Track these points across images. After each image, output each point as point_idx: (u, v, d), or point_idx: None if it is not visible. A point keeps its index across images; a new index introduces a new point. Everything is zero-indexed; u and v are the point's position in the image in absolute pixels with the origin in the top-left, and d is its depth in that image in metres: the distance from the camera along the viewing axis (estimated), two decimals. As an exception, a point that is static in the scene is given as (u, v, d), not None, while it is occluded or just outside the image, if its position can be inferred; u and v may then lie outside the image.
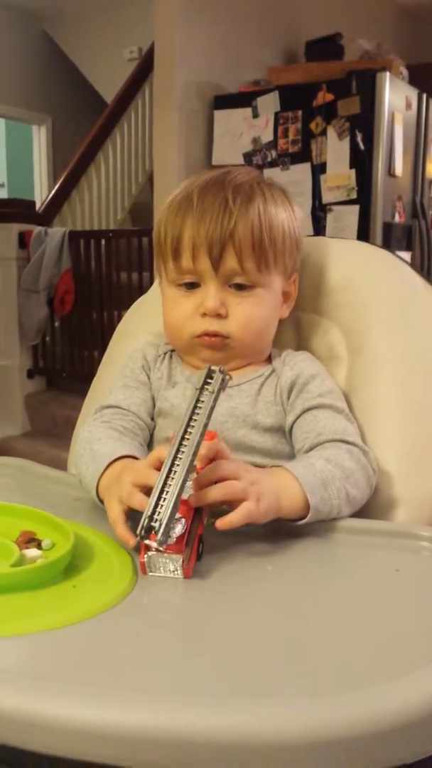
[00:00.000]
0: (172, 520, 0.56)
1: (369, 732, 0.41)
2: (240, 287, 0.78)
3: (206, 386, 0.63)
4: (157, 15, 3.01)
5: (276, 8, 3.41)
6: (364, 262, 0.91)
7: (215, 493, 0.60)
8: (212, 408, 0.61)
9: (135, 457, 0.71)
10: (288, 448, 0.79)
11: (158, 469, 0.59)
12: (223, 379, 0.63)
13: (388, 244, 2.97)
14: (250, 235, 0.76)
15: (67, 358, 3.37)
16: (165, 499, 0.57)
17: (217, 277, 0.77)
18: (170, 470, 0.58)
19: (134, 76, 4.08)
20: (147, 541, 0.57)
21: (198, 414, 0.61)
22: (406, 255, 3.10)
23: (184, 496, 0.58)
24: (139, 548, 0.58)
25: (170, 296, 0.82)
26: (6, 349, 3.38)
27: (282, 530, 0.66)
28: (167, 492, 0.57)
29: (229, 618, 0.54)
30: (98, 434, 0.77)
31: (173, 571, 0.58)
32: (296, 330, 0.91)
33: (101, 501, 0.69)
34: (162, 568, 0.58)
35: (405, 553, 0.64)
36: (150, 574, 0.58)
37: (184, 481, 0.58)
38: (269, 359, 0.85)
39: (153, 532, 0.56)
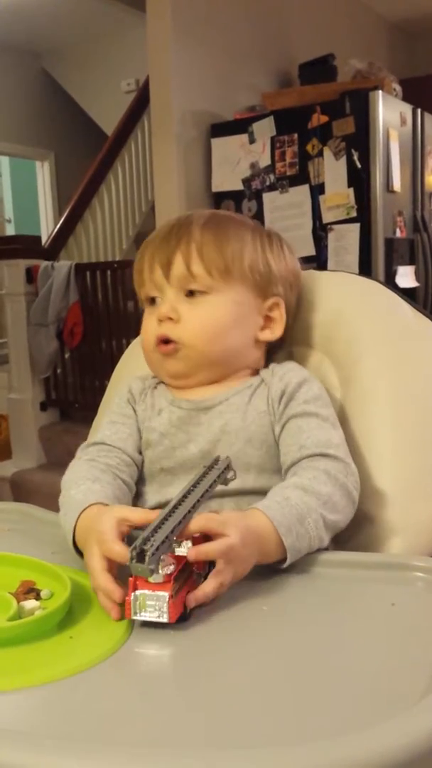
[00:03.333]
0: (163, 550, 0.56)
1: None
2: (193, 293, 0.80)
3: (213, 469, 0.66)
4: (149, 46, 3.07)
5: (268, 32, 3.47)
6: (353, 293, 0.93)
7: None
8: (209, 488, 0.64)
9: (105, 504, 0.71)
10: (278, 464, 0.78)
11: (122, 539, 0.62)
12: (227, 466, 0.67)
13: (390, 260, 2.99)
14: (199, 241, 0.80)
15: (78, 389, 3.40)
16: (159, 531, 0.58)
17: (170, 285, 0.81)
18: (166, 517, 0.59)
19: (132, 108, 4.15)
20: (135, 572, 0.56)
21: (198, 486, 0.64)
22: (410, 269, 3.11)
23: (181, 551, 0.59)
24: (122, 615, 0.58)
25: (144, 317, 0.85)
26: (18, 383, 3.41)
27: (277, 565, 0.67)
28: (162, 528, 0.58)
29: (224, 664, 0.55)
30: (78, 475, 0.77)
31: (159, 610, 0.57)
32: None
33: (79, 552, 0.69)
34: (148, 610, 0.57)
35: (400, 585, 0.65)
36: (134, 617, 0.57)
37: (179, 523, 0.59)
38: (257, 371, 0.85)
39: (143, 561, 0.55)
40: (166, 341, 0.80)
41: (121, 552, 0.60)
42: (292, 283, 0.87)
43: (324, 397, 0.81)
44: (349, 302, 0.91)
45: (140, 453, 0.83)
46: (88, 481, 0.75)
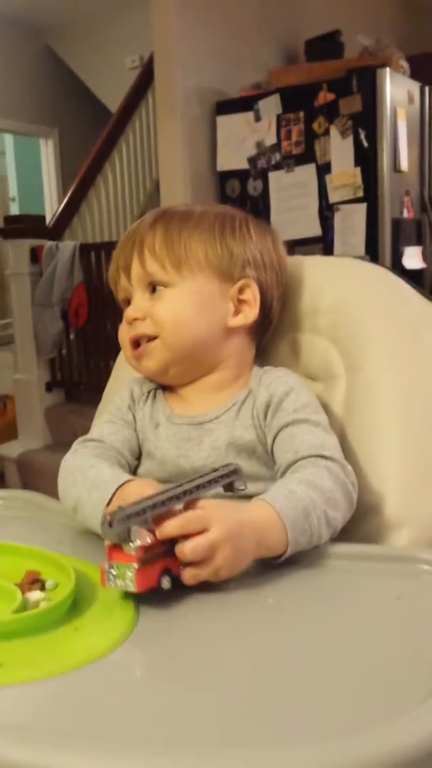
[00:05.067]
0: (134, 522, 0.58)
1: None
2: (154, 291, 0.82)
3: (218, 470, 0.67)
4: (155, 23, 3.03)
5: (274, 8, 3.41)
6: (360, 279, 0.92)
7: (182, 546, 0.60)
8: (206, 483, 0.65)
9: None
10: (272, 473, 0.78)
11: None
12: (234, 471, 0.68)
13: (397, 240, 2.96)
14: (150, 241, 0.82)
15: (84, 370, 3.40)
16: (138, 505, 0.59)
17: (134, 286, 0.83)
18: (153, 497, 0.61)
19: (137, 85, 4.09)
20: (105, 536, 0.59)
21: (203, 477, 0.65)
22: (417, 250, 3.08)
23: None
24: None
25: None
26: (24, 364, 3.41)
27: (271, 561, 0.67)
28: (142, 503, 0.60)
29: (230, 658, 0.55)
30: (88, 463, 0.77)
31: (127, 580, 0.58)
32: (294, 351, 0.91)
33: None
34: (118, 579, 0.59)
35: (406, 578, 0.65)
36: (107, 585, 0.59)
37: (162, 503, 0.60)
38: (247, 371, 0.85)
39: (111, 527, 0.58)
40: (136, 344, 0.83)
41: None
42: (266, 263, 0.85)
43: (313, 403, 0.80)
44: (357, 289, 0.90)
45: (135, 457, 0.84)
46: (105, 467, 0.76)
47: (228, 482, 0.68)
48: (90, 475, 0.75)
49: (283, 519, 0.65)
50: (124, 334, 0.84)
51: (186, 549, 0.60)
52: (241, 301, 0.83)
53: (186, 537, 0.60)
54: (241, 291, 0.83)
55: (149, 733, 0.46)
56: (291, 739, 0.45)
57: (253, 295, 0.83)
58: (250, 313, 0.83)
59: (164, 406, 0.85)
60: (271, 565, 0.66)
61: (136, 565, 0.58)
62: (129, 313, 0.82)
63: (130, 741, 0.45)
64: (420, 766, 0.43)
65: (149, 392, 0.87)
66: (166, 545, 0.60)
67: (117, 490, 0.71)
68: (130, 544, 0.58)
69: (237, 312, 0.83)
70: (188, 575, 0.61)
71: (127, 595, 0.61)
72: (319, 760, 0.41)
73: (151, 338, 0.81)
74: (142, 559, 0.58)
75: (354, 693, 0.49)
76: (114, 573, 0.59)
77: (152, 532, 0.59)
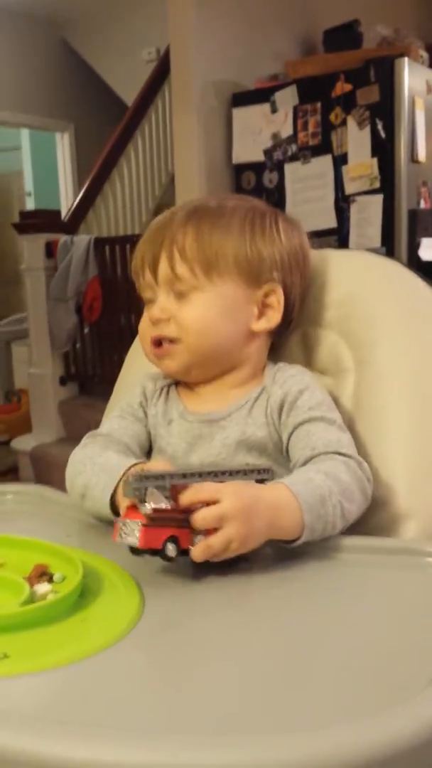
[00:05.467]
0: (152, 483, 0.61)
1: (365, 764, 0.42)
2: (181, 295, 0.80)
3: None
4: (170, 15, 3.01)
5: (291, -2, 3.38)
6: (370, 273, 0.91)
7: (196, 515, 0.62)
8: (233, 471, 0.68)
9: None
10: (283, 471, 0.78)
11: None
12: (267, 470, 0.71)
13: (414, 232, 2.93)
14: (181, 241, 0.80)
15: (98, 364, 3.41)
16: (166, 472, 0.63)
17: (160, 286, 0.81)
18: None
19: (153, 78, 4.08)
20: (124, 492, 0.62)
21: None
22: (434, 242, 3.05)
23: None
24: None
25: (141, 319, 0.86)
26: (38, 358, 3.44)
27: (285, 551, 0.67)
28: (171, 471, 0.63)
29: (234, 648, 0.55)
30: (97, 452, 0.78)
31: (132, 535, 0.61)
32: (303, 344, 0.91)
33: (115, 513, 0.71)
34: (127, 535, 0.61)
35: (410, 570, 0.65)
36: (118, 539, 0.62)
37: (183, 476, 0.63)
38: (261, 370, 0.85)
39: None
40: (159, 343, 0.82)
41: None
42: (292, 264, 0.84)
43: (328, 401, 0.80)
44: (366, 283, 0.89)
45: (144, 453, 0.84)
46: (114, 454, 0.77)
47: (260, 478, 0.69)
48: (99, 462, 0.76)
49: (300, 502, 0.66)
50: (146, 331, 0.83)
51: (197, 516, 0.62)
52: (265, 305, 0.83)
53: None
54: (266, 295, 0.82)
55: (152, 723, 0.46)
56: (290, 727, 0.45)
57: (278, 299, 0.83)
58: (273, 317, 0.83)
59: (177, 403, 0.85)
60: (274, 556, 0.66)
61: (142, 521, 0.60)
62: (154, 313, 0.81)
63: (133, 731, 0.45)
64: (419, 753, 0.43)
65: (162, 389, 0.87)
66: (181, 517, 0.62)
67: (127, 470, 0.72)
68: (144, 504, 0.61)
69: (260, 315, 0.83)
70: (198, 548, 0.62)
71: (133, 587, 0.61)
72: (319, 747, 0.42)
73: (174, 340, 0.81)
74: (151, 517, 0.61)
75: (354, 683, 0.49)
76: (124, 529, 0.61)
77: (169, 499, 0.61)
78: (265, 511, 0.64)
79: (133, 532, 0.61)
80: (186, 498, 0.62)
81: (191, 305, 0.80)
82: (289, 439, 0.78)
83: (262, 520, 0.64)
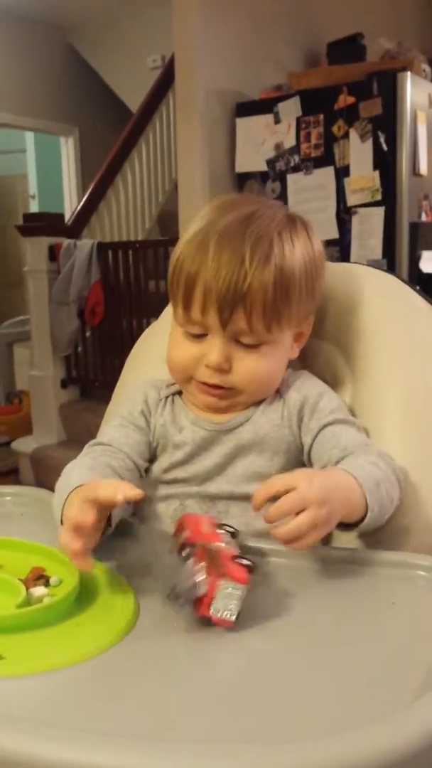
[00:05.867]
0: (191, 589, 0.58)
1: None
2: (247, 347, 0.77)
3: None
4: (175, 23, 3.04)
5: (296, 10, 3.40)
6: (367, 286, 0.92)
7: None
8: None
9: None
10: None
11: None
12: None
13: (414, 244, 2.95)
14: (263, 298, 0.75)
15: (99, 368, 3.43)
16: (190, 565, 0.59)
17: (224, 332, 0.77)
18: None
19: (158, 85, 4.11)
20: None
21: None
22: (434, 254, 3.07)
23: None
24: None
25: (177, 337, 0.81)
26: (40, 361, 3.45)
27: (279, 561, 0.68)
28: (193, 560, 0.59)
29: (224, 657, 0.56)
30: (76, 465, 0.76)
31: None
32: (301, 355, 0.92)
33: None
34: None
35: (401, 583, 0.65)
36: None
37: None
38: None
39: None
40: (214, 386, 0.79)
41: (108, 488, 0.63)
42: (320, 289, 0.84)
43: (343, 406, 0.83)
44: (363, 296, 0.90)
45: (145, 461, 0.83)
46: (84, 468, 0.75)
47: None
48: (69, 481, 0.73)
49: (360, 482, 0.68)
50: (190, 367, 0.79)
51: (274, 507, 0.62)
52: (300, 335, 0.84)
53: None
54: (302, 326, 0.84)
55: (145, 728, 0.47)
56: (282, 737, 0.46)
57: (309, 326, 0.85)
58: (305, 341, 0.85)
59: (186, 411, 0.84)
60: (266, 567, 0.67)
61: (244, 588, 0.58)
62: (214, 359, 0.76)
63: (127, 735, 0.46)
64: (407, 765, 0.44)
65: (167, 397, 0.86)
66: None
67: (68, 495, 0.69)
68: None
69: (295, 342, 0.83)
70: (285, 528, 0.62)
71: (128, 592, 0.62)
72: (309, 758, 0.42)
73: (234, 389, 0.79)
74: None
75: (346, 693, 0.50)
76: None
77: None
78: (338, 491, 0.66)
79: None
80: (261, 495, 0.63)
81: (261, 359, 0.78)
82: (313, 441, 0.79)
83: (338, 498, 0.65)
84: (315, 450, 0.79)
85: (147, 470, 0.84)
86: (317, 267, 0.81)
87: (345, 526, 0.70)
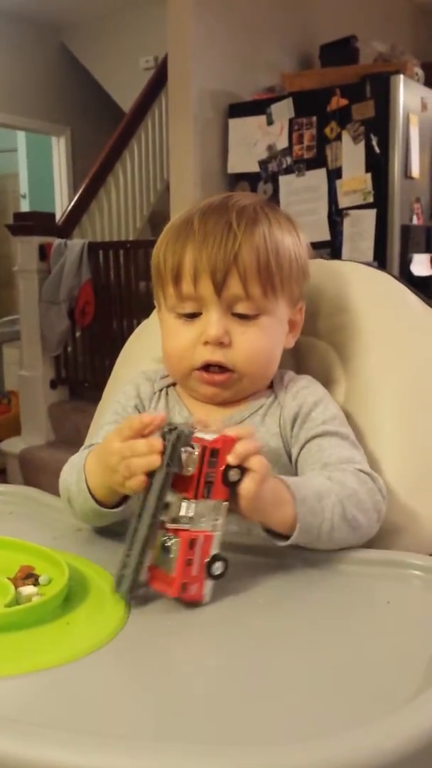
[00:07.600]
0: (138, 571, 0.59)
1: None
2: (243, 317, 0.74)
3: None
4: (169, 24, 3.03)
5: (290, 12, 3.41)
6: (361, 284, 0.92)
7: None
8: (165, 477, 0.59)
9: None
10: None
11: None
12: (178, 436, 0.60)
13: (406, 247, 2.95)
14: (256, 259, 0.72)
15: (88, 368, 3.41)
16: (133, 549, 0.60)
17: (219, 303, 0.73)
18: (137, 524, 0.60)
19: (150, 85, 4.10)
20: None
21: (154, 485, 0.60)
22: (426, 257, 3.08)
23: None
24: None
25: (170, 325, 0.78)
26: (29, 361, 3.43)
27: (274, 560, 0.67)
28: (134, 543, 0.60)
29: (219, 657, 0.55)
30: (83, 458, 0.75)
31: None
32: (294, 353, 0.91)
33: (93, 497, 0.69)
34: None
35: (396, 582, 0.65)
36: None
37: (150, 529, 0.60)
38: (271, 384, 0.82)
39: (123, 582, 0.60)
40: (217, 369, 0.75)
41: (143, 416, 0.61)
42: (307, 274, 0.82)
43: (341, 416, 0.78)
44: (358, 294, 0.90)
45: None
46: (84, 453, 0.74)
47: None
48: (76, 462, 0.73)
49: (293, 492, 0.64)
50: (188, 349, 0.75)
51: (239, 446, 0.59)
52: (293, 322, 0.81)
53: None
54: (296, 312, 0.81)
55: (134, 729, 0.46)
56: (275, 738, 0.45)
57: (302, 315, 0.82)
58: (298, 332, 0.82)
59: (180, 407, 0.81)
60: (261, 566, 0.66)
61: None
62: (213, 333, 0.72)
63: (116, 736, 0.45)
64: (410, 764, 0.43)
65: (161, 390, 0.83)
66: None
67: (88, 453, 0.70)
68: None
69: (288, 333, 0.80)
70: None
71: (119, 592, 0.61)
72: (307, 758, 0.42)
73: (232, 370, 0.75)
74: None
75: (343, 692, 0.49)
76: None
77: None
78: (270, 492, 0.62)
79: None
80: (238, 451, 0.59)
81: (255, 330, 0.74)
82: (299, 452, 0.76)
83: (268, 494, 0.62)
84: (300, 462, 0.76)
85: None
86: (302, 245, 0.79)
87: (277, 535, 0.66)
